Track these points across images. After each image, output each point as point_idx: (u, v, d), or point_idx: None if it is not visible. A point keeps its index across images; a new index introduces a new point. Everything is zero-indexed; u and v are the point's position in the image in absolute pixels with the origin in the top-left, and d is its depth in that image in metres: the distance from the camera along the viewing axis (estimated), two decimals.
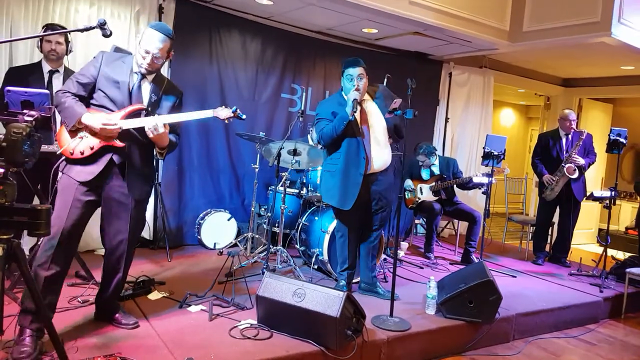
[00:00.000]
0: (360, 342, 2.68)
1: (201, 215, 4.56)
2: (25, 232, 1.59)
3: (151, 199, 4.34)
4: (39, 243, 2.85)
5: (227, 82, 4.74)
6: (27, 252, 3.33)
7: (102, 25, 2.04)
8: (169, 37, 2.48)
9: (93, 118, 2.38)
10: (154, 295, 3.18)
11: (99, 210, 2.62)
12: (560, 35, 4.86)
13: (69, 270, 3.24)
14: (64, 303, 2.80)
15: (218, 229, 4.52)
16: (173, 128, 2.68)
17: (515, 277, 4.52)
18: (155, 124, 2.43)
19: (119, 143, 2.45)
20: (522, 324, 3.45)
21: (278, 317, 2.72)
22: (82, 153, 2.41)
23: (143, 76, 2.53)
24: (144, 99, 2.53)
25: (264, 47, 4.93)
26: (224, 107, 2.67)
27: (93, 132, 2.41)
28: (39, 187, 3.10)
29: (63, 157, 2.45)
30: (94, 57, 2.53)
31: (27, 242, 3.50)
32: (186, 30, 4.44)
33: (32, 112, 1.81)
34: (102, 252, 3.95)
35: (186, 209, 4.67)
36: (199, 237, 4.50)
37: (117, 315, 2.69)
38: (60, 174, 2.48)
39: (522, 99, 10.07)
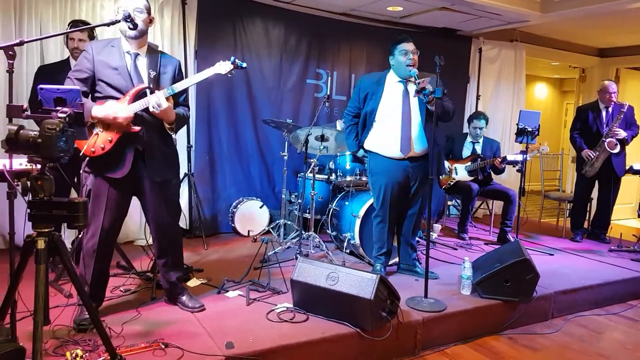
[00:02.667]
0: (396, 324, 2.69)
1: (234, 203, 4.64)
2: (65, 226, 1.66)
3: (185, 189, 4.46)
4: (79, 236, 2.97)
5: (252, 71, 4.76)
6: (69, 246, 3.48)
7: (126, 18, 2.07)
8: None
9: (103, 109, 2.40)
10: (193, 282, 3.26)
11: (137, 202, 2.70)
12: (594, 3, 4.64)
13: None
14: (107, 293, 2.90)
15: (251, 216, 4.59)
16: (180, 100, 2.67)
17: (552, 255, 4.42)
18: (157, 100, 2.42)
19: (134, 127, 2.46)
20: (560, 302, 3.39)
21: (313, 300, 2.75)
22: (102, 149, 2.45)
23: (136, 54, 2.52)
24: (143, 78, 2.52)
25: (287, 33, 4.91)
26: (222, 61, 2.61)
27: (106, 125, 2.44)
28: (75, 180, 3.21)
29: (87, 158, 2.49)
30: (84, 50, 2.53)
31: (68, 236, 3.64)
32: (210, 21, 4.48)
33: (65, 109, 1.87)
34: (141, 242, 4.12)
35: (219, 198, 4.75)
36: (232, 225, 4.58)
37: (182, 297, 2.79)
38: (90, 175, 2.52)
39: (556, 72, 9.72)
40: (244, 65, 2.63)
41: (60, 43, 3.77)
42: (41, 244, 1.52)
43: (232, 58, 2.60)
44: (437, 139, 3.40)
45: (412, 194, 3.47)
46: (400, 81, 3.34)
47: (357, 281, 2.60)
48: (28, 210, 1.57)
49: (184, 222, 4.52)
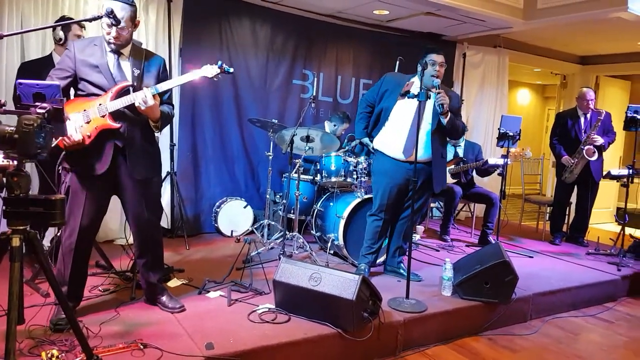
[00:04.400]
0: (377, 324, 2.70)
1: (217, 203, 4.61)
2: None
3: (167, 188, 4.42)
4: (58, 234, 2.92)
5: (238, 71, 4.72)
6: (47, 244, 3.42)
7: (109, 14, 2.04)
8: (127, 3, 2.39)
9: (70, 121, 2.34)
10: (174, 283, 3.23)
11: (117, 201, 2.67)
12: (576, 12, 4.74)
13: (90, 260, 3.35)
14: (85, 292, 2.85)
15: (234, 216, 4.56)
16: (164, 98, 2.64)
17: (532, 257, 4.49)
18: (144, 96, 2.39)
19: (113, 124, 2.42)
20: (539, 304, 3.44)
21: (295, 301, 2.75)
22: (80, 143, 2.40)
23: (119, 53, 2.49)
24: (127, 76, 2.49)
25: (274, 33, 4.90)
26: (209, 65, 2.58)
27: (86, 120, 2.40)
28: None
29: (64, 152, 2.45)
30: (67, 49, 2.50)
31: (46, 235, 3.57)
32: (196, 20, 4.44)
33: (44, 105, 1.84)
34: (121, 242, 4.07)
35: (203, 198, 4.72)
36: (216, 225, 4.55)
37: (162, 297, 2.76)
38: (66, 172, 2.48)
39: (538, 78, 9.88)
40: (231, 70, 2.61)
41: (42, 38, 3.70)
42: (16, 241, 1.49)
43: (220, 62, 2.58)
44: (443, 153, 3.45)
45: (409, 197, 3.49)
46: (423, 88, 3.35)
47: (339, 282, 2.60)
48: (3, 207, 1.53)
49: (165, 222, 4.47)
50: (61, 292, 1.70)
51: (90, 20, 2.12)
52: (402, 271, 3.61)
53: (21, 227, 1.51)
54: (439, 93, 3.19)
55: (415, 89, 3.28)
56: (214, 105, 4.66)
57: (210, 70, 2.56)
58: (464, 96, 6.28)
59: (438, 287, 3.37)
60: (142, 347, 2.27)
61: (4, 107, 1.83)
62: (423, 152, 3.36)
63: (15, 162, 1.50)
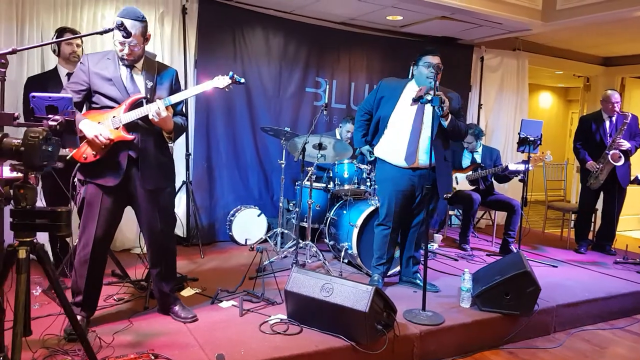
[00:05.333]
0: (392, 337, 2.63)
1: (232, 211, 4.61)
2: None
3: (183, 197, 4.44)
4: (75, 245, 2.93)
5: (251, 80, 4.75)
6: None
7: (119, 27, 2.05)
8: (138, 20, 2.42)
9: (89, 127, 2.38)
10: (187, 292, 3.23)
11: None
12: (597, 12, 4.61)
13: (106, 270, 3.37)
14: (99, 302, 2.86)
15: (249, 225, 4.55)
16: (177, 109, 2.66)
17: (556, 267, 4.35)
18: (157, 108, 2.41)
19: (127, 136, 2.45)
20: (563, 315, 3.31)
21: (307, 312, 2.70)
22: (94, 156, 2.44)
23: (132, 67, 2.51)
24: (140, 88, 2.52)
25: (286, 42, 4.91)
26: (220, 76, 2.60)
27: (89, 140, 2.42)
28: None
29: (78, 164, 2.48)
30: (80, 62, 2.54)
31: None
32: (210, 30, 4.47)
33: (57, 117, 1.85)
34: (137, 251, 4.09)
35: (217, 206, 4.72)
36: (230, 233, 4.55)
37: (175, 307, 2.76)
38: (82, 184, 2.51)
39: (561, 81, 9.66)
40: (242, 80, 2.63)
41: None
42: (23, 253, 1.50)
43: (231, 73, 2.59)
44: (447, 156, 3.38)
45: (416, 204, 3.43)
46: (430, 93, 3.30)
47: (352, 293, 2.55)
48: (10, 219, 1.54)
49: (181, 230, 4.49)
50: (68, 304, 1.69)
51: (101, 33, 2.14)
52: (418, 281, 3.53)
53: (28, 239, 1.52)
54: (417, 90, 3.13)
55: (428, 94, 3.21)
56: (227, 114, 4.68)
57: (222, 81, 2.58)
58: (482, 100, 6.18)
59: (456, 298, 3.28)
60: (153, 357, 2.27)
61: (17, 120, 1.85)
62: (426, 158, 3.28)
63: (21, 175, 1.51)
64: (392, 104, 3.35)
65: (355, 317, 2.50)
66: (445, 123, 3.19)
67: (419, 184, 3.35)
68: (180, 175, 4.47)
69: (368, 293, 2.51)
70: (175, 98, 2.53)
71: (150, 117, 2.43)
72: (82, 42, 3.38)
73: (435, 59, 3.23)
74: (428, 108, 3.26)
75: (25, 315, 1.52)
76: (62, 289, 1.61)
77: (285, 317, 2.79)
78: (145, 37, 2.49)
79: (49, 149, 1.54)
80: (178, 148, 4.42)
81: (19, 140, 1.52)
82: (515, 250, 4.40)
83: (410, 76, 3.10)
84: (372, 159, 3.54)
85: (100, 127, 2.41)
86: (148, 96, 2.51)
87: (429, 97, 3.02)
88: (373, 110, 3.46)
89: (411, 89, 3.35)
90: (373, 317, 2.52)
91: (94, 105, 2.51)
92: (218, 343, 2.46)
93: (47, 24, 3.72)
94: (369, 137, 3.52)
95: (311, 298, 2.63)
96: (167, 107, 2.48)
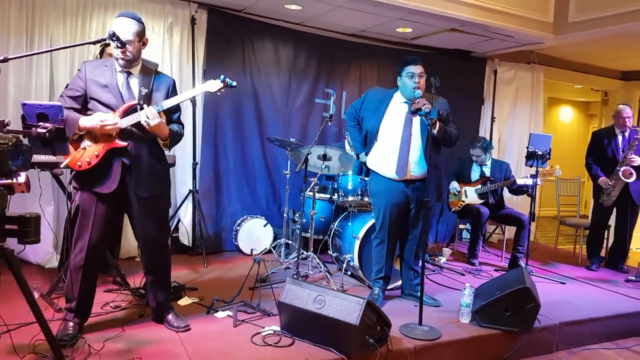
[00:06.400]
0: (384, 352, 2.59)
1: (238, 221, 4.62)
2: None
3: (189, 206, 4.47)
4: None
5: (260, 90, 4.78)
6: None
7: (112, 37, 2.09)
8: (135, 19, 2.44)
9: (90, 119, 2.42)
10: (184, 301, 3.23)
11: None
12: (610, 25, 4.52)
13: (107, 277, 3.41)
14: (96, 309, 2.89)
15: (255, 235, 4.56)
16: (173, 118, 2.66)
17: (564, 283, 4.23)
18: (148, 114, 2.42)
19: (120, 143, 2.47)
20: (566, 334, 3.21)
21: (300, 323, 2.68)
22: (88, 163, 2.46)
23: (128, 73, 2.54)
24: (135, 95, 2.53)
25: (296, 53, 4.94)
26: (212, 80, 2.59)
27: (94, 139, 2.46)
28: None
29: (73, 172, 2.52)
30: (78, 70, 2.58)
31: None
32: (219, 41, 4.53)
33: (47, 124, 1.90)
34: None
35: (224, 216, 4.74)
36: (236, 243, 4.55)
37: (168, 316, 2.77)
38: (76, 190, 2.55)
39: (581, 95, 9.48)
40: (234, 84, 2.60)
41: (70, 59, 3.86)
42: None
43: (222, 76, 2.58)
44: (438, 163, 3.33)
45: (412, 216, 3.39)
46: (405, 102, 3.29)
47: (343, 305, 2.52)
48: None
49: (187, 239, 4.52)
50: (39, 310, 1.71)
51: (94, 42, 2.19)
52: (419, 294, 3.46)
53: None
54: (413, 103, 3.09)
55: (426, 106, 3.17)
56: (236, 124, 4.71)
57: (213, 85, 2.56)
58: (495, 113, 6.10)
59: (457, 313, 3.21)
60: None
61: (7, 127, 1.89)
62: (417, 169, 3.25)
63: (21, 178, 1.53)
64: (379, 116, 3.32)
65: (346, 330, 2.47)
66: (435, 131, 3.11)
67: (412, 196, 3.30)
68: (186, 184, 4.52)
69: (359, 306, 2.47)
70: (167, 103, 2.52)
71: (143, 123, 2.44)
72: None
73: (417, 68, 3.20)
74: (416, 118, 3.22)
75: None
76: (32, 294, 1.62)
77: (278, 328, 2.77)
78: (141, 38, 2.50)
79: (18, 156, 1.56)
80: (185, 157, 4.48)
81: None
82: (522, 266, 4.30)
83: (401, 85, 3.08)
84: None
85: (100, 116, 2.42)
86: (142, 102, 2.51)
87: (426, 110, 2.98)
88: (359, 118, 3.45)
89: (397, 100, 3.32)
90: (364, 331, 2.48)
91: (89, 112, 2.53)
92: (207, 353, 2.46)
93: (56, 34, 3.82)
94: (364, 151, 3.49)
95: (304, 310, 2.61)
96: (159, 113, 2.48)
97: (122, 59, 2.47)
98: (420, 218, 3.35)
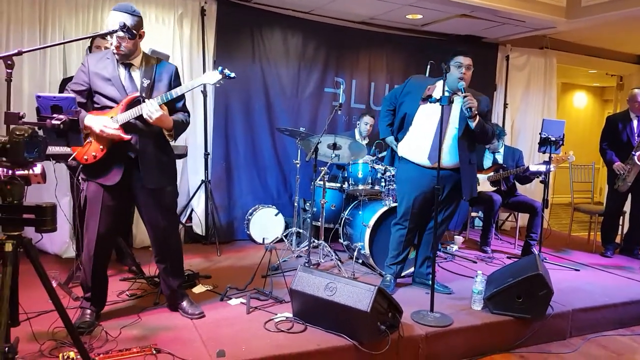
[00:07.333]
0: (396, 338, 2.61)
1: (250, 211, 4.66)
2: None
3: (202, 196, 4.52)
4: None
5: (270, 80, 4.79)
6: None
7: (122, 28, 2.11)
8: (127, 12, 2.41)
9: (94, 120, 2.44)
10: (198, 289, 3.28)
11: None
12: (625, 7, 4.42)
13: (123, 266, 3.46)
14: (113, 297, 2.96)
15: (266, 224, 4.59)
16: (177, 106, 2.66)
17: (578, 270, 4.20)
18: (148, 110, 2.42)
19: (125, 136, 2.48)
20: (580, 320, 3.20)
21: (312, 310, 2.70)
22: (94, 157, 2.49)
23: (130, 65, 2.54)
24: (137, 87, 2.53)
25: (305, 42, 4.92)
26: (210, 71, 2.57)
27: (97, 134, 2.49)
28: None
29: (81, 165, 2.55)
30: (82, 63, 2.58)
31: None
32: (228, 31, 4.54)
33: (60, 116, 1.92)
34: None
35: (236, 205, 4.78)
36: (248, 232, 4.60)
37: (182, 303, 2.81)
38: (84, 181, 2.59)
39: (595, 80, 9.31)
40: (232, 75, 2.55)
41: (83, 53, 3.90)
42: (9, 246, 1.55)
43: (220, 68, 2.55)
44: (472, 159, 3.32)
45: (438, 206, 3.37)
46: (447, 91, 3.26)
47: (354, 292, 2.54)
48: None
49: (200, 228, 4.57)
50: (58, 299, 1.75)
51: (104, 34, 2.21)
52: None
53: (15, 233, 1.58)
54: (465, 96, 3.05)
55: (437, 93, 3.16)
56: (246, 114, 4.73)
57: (212, 77, 2.53)
58: (508, 100, 6.03)
59: (469, 300, 3.21)
60: (155, 351, 2.31)
61: (22, 119, 1.93)
62: (449, 158, 3.23)
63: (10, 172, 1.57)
64: (417, 101, 3.31)
65: (357, 317, 2.49)
66: (473, 124, 3.11)
67: (440, 184, 3.28)
68: (199, 174, 4.56)
69: (370, 293, 2.49)
70: (167, 96, 2.51)
71: (145, 116, 2.45)
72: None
73: (465, 60, 3.17)
74: (455, 108, 3.21)
75: (12, 307, 1.57)
76: (51, 282, 1.66)
77: (291, 315, 2.80)
78: (138, 31, 2.48)
79: (34, 147, 1.59)
80: (197, 147, 4.51)
81: (5, 138, 1.58)
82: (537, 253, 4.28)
83: (444, 75, 3.05)
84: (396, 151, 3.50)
85: (103, 120, 2.45)
86: (144, 94, 2.51)
87: (437, 96, 2.97)
88: (397, 105, 3.44)
89: (436, 89, 3.30)
90: (375, 317, 2.50)
91: (95, 106, 2.55)
92: (221, 339, 2.49)
93: (69, 26, 3.86)
94: (394, 128, 3.48)
95: (315, 297, 2.64)
96: (161, 105, 2.48)
97: (116, 53, 2.47)
98: (444, 209, 3.36)
